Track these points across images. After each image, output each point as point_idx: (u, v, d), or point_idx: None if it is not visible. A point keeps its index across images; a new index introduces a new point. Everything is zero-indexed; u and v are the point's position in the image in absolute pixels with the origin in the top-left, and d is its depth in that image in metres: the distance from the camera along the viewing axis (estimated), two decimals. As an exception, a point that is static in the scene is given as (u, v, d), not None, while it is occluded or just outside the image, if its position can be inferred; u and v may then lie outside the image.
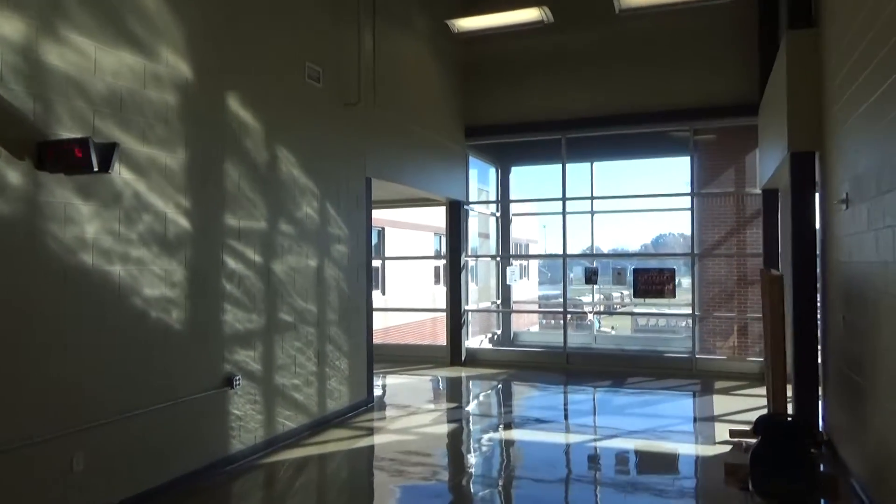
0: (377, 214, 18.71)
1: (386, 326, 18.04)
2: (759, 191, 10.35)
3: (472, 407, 8.73)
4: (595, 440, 6.84)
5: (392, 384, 9.92)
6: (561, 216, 11.40)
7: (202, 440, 5.50)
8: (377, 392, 9.17)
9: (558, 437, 7.05)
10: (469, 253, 12.17)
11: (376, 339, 16.44)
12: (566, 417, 8.00)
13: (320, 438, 6.81)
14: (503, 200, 13.97)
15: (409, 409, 8.16)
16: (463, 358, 11.44)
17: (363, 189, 8.23)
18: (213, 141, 5.69)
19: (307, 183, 7.05)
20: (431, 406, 8.43)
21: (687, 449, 6.54)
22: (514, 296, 18.06)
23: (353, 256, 7.96)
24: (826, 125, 6.25)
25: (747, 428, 6.61)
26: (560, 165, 11.43)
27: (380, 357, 11.71)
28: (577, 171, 13.51)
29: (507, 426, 7.54)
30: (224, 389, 5.73)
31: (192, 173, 5.43)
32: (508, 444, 6.82)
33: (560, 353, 11.16)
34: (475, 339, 12.79)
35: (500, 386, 9.93)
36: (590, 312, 15.06)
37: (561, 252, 11.24)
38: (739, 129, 11.04)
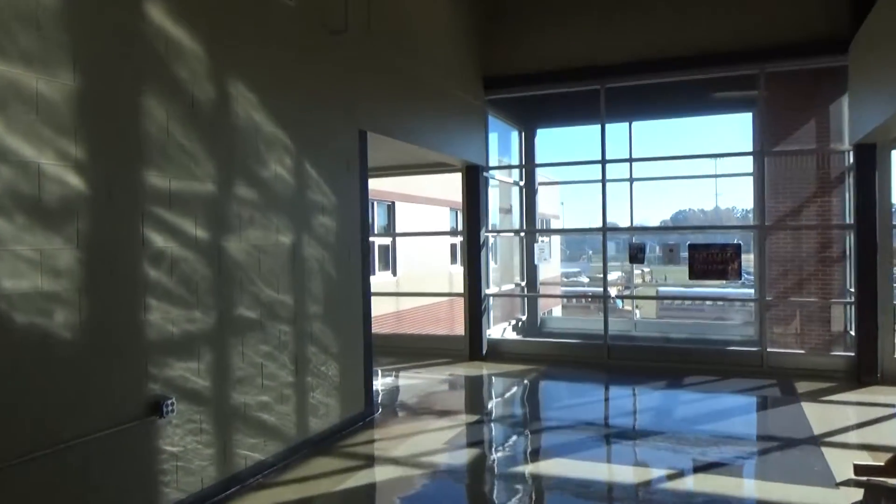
0: (385, 187, 17.06)
1: (399, 310, 16.38)
2: (847, 147, 8.41)
3: (498, 420, 6.99)
4: (673, 475, 5.05)
5: (401, 386, 8.22)
6: (598, 183, 9.54)
7: (108, 498, 3.81)
8: (381, 398, 7.48)
9: (617, 472, 5.31)
10: (490, 228, 10.38)
11: (387, 328, 14.80)
12: (624, 438, 6.21)
13: (299, 473, 5.12)
14: (528, 165, 12.12)
15: (419, 425, 6.44)
16: (484, 351, 9.70)
17: (355, 145, 6.45)
18: (122, 62, 3.92)
19: (276, 133, 5.28)
20: (447, 420, 6.70)
21: (802, 495, 4.69)
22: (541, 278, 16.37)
23: (344, 232, 6.22)
24: None
25: (876, 462, 4.82)
26: (592, 126, 9.58)
27: (388, 350, 10.06)
28: (613, 134, 11.59)
29: (547, 453, 5.79)
30: (149, 420, 4.03)
31: (85, 108, 3.67)
32: (547, 484, 5.07)
33: (599, 345, 9.37)
34: (497, 328, 11.04)
35: (529, 388, 8.18)
36: (636, 296, 13.22)
37: (600, 225, 9.39)
38: (817, 72, 9.08)
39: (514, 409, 7.41)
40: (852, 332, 10.07)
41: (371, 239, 15.90)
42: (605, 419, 6.85)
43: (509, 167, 12.26)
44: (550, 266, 26.61)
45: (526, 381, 8.43)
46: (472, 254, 9.73)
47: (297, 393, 5.46)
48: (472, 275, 9.73)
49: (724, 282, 10.24)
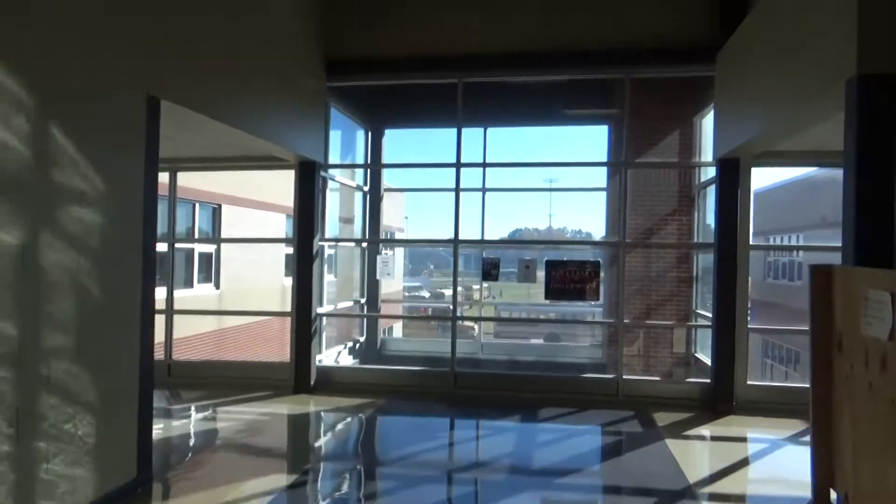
0: (210, 186, 14.91)
1: (222, 328, 14.29)
2: (711, 161, 8.06)
3: (326, 477, 5.55)
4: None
5: (201, 433, 6.51)
6: (448, 193, 8.50)
7: None
8: (167, 454, 5.74)
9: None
10: (326, 236, 8.95)
11: (203, 351, 12.80)
12: None
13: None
14: (375, 165, 10.86)
15: (214, 495, 4.82)
16: (312, 381, 8.19)
17: (141, 115, 4.76)
18: None
19: (-8, 76, 3.52)
20: (255, 482, 5.13)
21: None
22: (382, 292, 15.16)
23: (115, 231, 4.50)
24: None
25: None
26: (447, 130, 8.53)
27: (199, 381, 8.26)
28: (468, 142, 10.77)
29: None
30: None
31: None
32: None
33: (446, 373, 8.24)
34: (332, 352, 9.59)
35: (363, 430, 6.84)
36: (486, 319, 12.39)
37: (451, 237, 8.30)
38: (683, 83, 8.77)
39: (343, 462, 6.00)
40: (698, 356, 9.89)
41: (191, 245, 13.86)
42: (450, 476, 5.65)
43: (353, 166, 10.91)
44: (392, 281, 25.55)
45: (360, 421, 7.07)
46: (303, 265, 8.22)
47: (16, 468, 3.67)
48: (301, 290, 8.20)
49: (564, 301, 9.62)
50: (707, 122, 9.64)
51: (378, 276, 9.47)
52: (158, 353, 9.00)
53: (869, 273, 3.40)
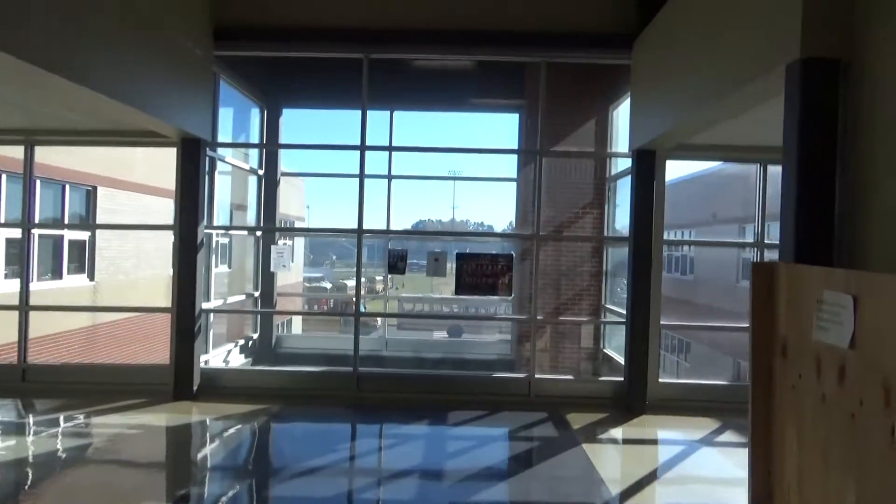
0: (84, 166, 13.34)
1: (95, 324, 12.86)
2: (625, 152, 7.79)
3: None
4: None
5: (49, 451, 5.50)
6: (351, 179, 7.79)
7: None
8: (14, 476, 4.75)
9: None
10: (214, 223, 8.02)
11: (73, 351, 11.43)
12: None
13: None
14: (270, 145, 9.96)
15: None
16: (196, 386, 7.28)
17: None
18: None
19: None
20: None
21: None
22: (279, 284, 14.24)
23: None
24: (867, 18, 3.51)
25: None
26: (351, 111, 7.81)
27: (58, 387, 7.19)
28: (374, 125, 10.07)
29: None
30: None
31: None
32: None
33: (347, 374, 7.56)
34: (220, 352, 8.66)
35: (253, 446, 6.05)
36: (391, 315, 11.76)
37: (355, 226, 7.59)
38: (600, 70, 8.49)
39: (227, 483, 5.21)
40: (607, 352, 9.73)
41: (59, 232, 12.29)
42: (350, 496, 5.01)
43: (245, 145, 9.96)
44: (290, 273, 24.41)
45: (250, 432, 6.27)
46: (186, 256, 7.27)
47: None
48: (184, 283, 7.25)
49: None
50: (622, 113, 9.46)
51: (272, 268, 8.60)
52: (10, 354, 7.78)
53: (825, 273, 3.06)
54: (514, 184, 10.50)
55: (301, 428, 6.58)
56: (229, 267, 11.14)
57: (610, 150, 9.19)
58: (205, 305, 7.60)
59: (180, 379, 7.21)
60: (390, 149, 8.48)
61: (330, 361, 9.23)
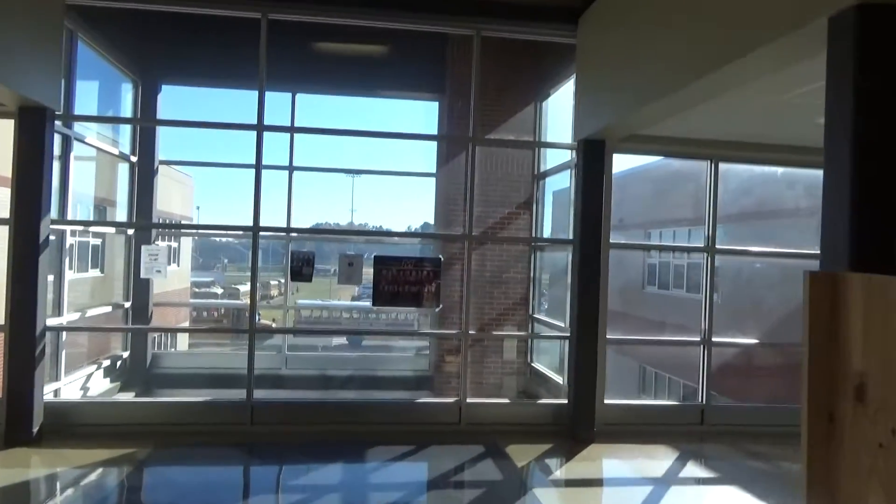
0: None
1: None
2: (567, 143, 6.88)
3: None
4: None
5: None
6: (245, 170, 6.37)
7: None
8: None
9: None
10: (65, 217, 6.37)
11: None
12: None
13: None
14: (144, 120, 8.33)
15: None
16: (36, 426, 5.61)
17: None
18: None
19: None
20: None
21: None
22: (159, 290, 12.45)
23: None
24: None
25: None
26: (242, 91, 6.43)
27: None
28: (272, 105, 8.71)
29: None
30: None
31: None
32: None
33: (239, 405, 6.14)
34: (76, 377, 6.98)
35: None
36: (295, 331, 10.34)
37: (251, 223, 6.18)
38: (525, 51, 7.55)
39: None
40: (536, 366, 8.83)
41: None
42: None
43: (109, 119, 8.25)
44: (178, 275, 22.10)
45: (102, 492, 4.77)
46: (25, 258, 5.60)
47: None
48: (20, 293, 5.58)
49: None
50: (553, 104, 8.61)
51: (143, 274, 7.00)
52: None
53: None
54: (433, 180, 9.41)
55: (175, 480, 5.12)
56: (102, 272, 9.34)
57: (549, 140, 8.26)
58: (50, 322, 5.94)
59: (14, 418, 5.53)
60: (292, 129, 7.20)
61: (220, 383, 7.79)
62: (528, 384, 8.70)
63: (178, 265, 22.45)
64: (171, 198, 18.15)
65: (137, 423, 5.96)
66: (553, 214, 8.63)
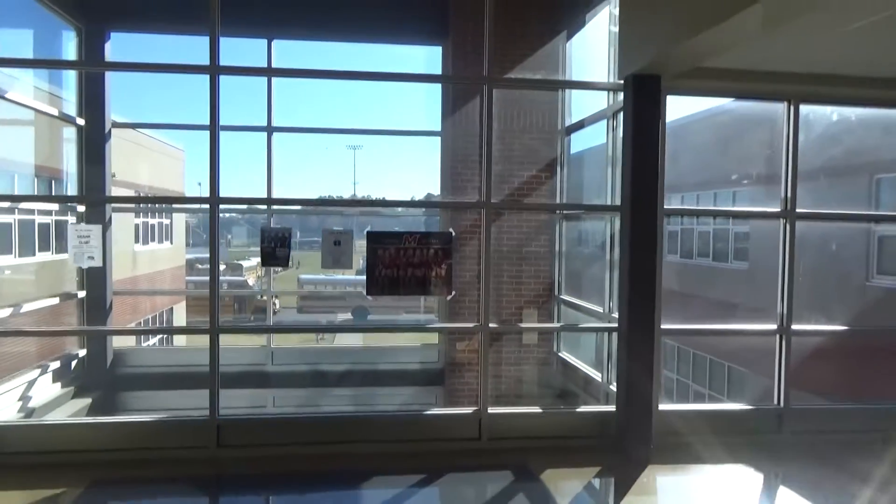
0: None
1: None
2: (613, 82, 5.47)
3: None
4: None
5: None
6: (206, 131, 4.94)
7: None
8: None
9: None
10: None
11: None
12: None
13: None
14: (83, 65, 6.96)
15: None
16: (-64, 463, 4.34)
17: None
18: None
19: None
20: None
21: None
22: (131, 272, 11.42)
23: None
24: None
25: None
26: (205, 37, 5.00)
27: None
28: (244, 53, 7.37)
29: None
30: None
31: None
32: None
33: (201, 424, 4.83)
34: (13, 386, 5.70)
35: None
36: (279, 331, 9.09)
37: (208, 194, 4.81)
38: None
39: None
40: (563, 356, 7.53)
41: None
42: None
43: (34, 63, 6.85)
44: (171, 253, 20.79)
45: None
46: None
47: None
48: None
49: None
50: (582, 42, 7.16)
51: (73, 262, 5.63)
52: None
53: None
54: (438, 140, 7.99)
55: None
56: (54, 255, 8.03)
57: (585, 81, 6.77)
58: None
59: None
60: (268, 72, 5.72)
61: (196, 383, 6.49)
62: (555, 378, 7.41)
63: (172, 243, 21.18)
64: (161, 172, 16.76)
65: (74, 449, 4.67)
66: (582, 177, 7.25)
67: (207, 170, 4.77)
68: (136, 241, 16.36)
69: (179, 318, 18.74)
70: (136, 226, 16.24)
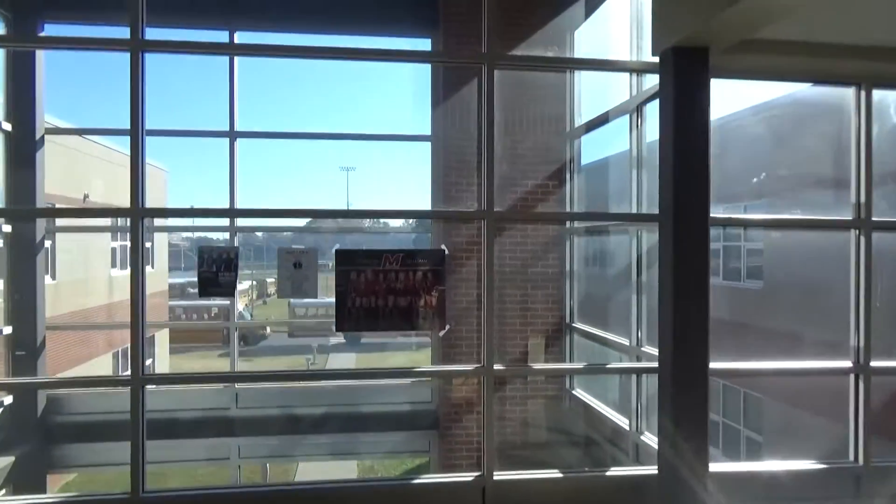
0: None
1: None
2: (646, 60, 4.46)
3: None
4: None
5: None
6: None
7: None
8: None
9: None
10: None
11: None
12: None
13: None
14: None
15: None
16: None
17: None
18: None
19: None
20: None
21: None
22: (107, 299, 10.56)
23: None
24: None
25: None
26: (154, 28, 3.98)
27: None
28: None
29: None
30: None
31: None
32: None
33: (122, 502, 3.70)
34: None
35: None
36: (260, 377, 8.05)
37: (130, 204, 3.74)
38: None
39: None
40: (577, 393, 6.42)
41: None
42: None
43: None
44: (153, 278, 19.59)
45: None
46: None
47: None
48: None
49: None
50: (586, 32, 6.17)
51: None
52: None
53: None
54: (428, 144, 6.93)
55: None
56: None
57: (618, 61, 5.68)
58: None
59: None
60: (232, 50, 4.64)
61: (151, 430, 5.38)
62: (570, 421, 6.29)
63: (153, 267, 19.98)
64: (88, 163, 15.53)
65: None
66: (602, 183, 6.20)
67: (131, 179, 3.69)
68: (114, 265, 15.21)
69: (162, 349, 17.57)
70: (114, 249, 15.09)
